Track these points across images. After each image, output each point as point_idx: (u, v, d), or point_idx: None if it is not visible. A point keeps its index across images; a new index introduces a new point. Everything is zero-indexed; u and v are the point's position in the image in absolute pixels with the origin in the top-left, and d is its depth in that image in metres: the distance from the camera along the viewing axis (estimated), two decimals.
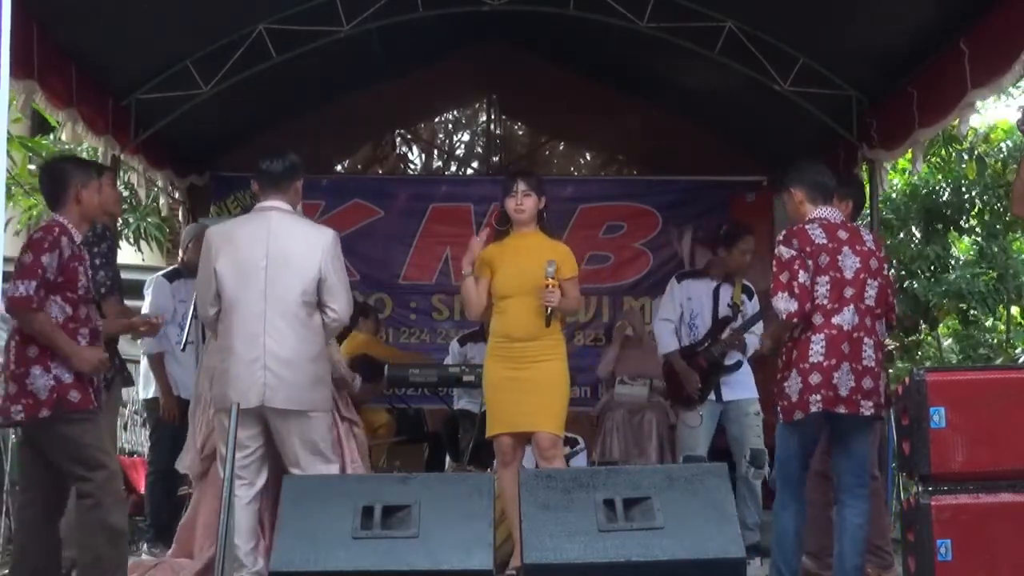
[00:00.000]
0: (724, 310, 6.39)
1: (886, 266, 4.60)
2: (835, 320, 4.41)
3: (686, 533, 3.55)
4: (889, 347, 10.18)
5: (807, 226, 4.53)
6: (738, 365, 6.28)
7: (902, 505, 4.52)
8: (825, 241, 4.47)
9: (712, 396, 6.29)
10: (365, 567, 3.52)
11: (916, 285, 10.11)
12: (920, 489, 4.01)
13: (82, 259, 4.43)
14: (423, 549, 3.54)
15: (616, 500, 3.62)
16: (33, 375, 4.28)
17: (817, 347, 4.39)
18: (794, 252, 4.46)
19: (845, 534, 4.49)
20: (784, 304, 4.41)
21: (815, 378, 4.38)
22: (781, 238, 4.57)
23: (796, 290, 4.41)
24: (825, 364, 4.38)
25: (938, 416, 3.97)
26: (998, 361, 10.15)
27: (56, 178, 4.49)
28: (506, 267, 5.09)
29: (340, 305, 4.70)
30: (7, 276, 4.54)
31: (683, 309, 6.44)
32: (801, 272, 4.43)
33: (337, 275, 4.70)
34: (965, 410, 3.98)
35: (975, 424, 3.98)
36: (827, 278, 4.43)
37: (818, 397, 4.37)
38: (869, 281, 4.47)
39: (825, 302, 4.43)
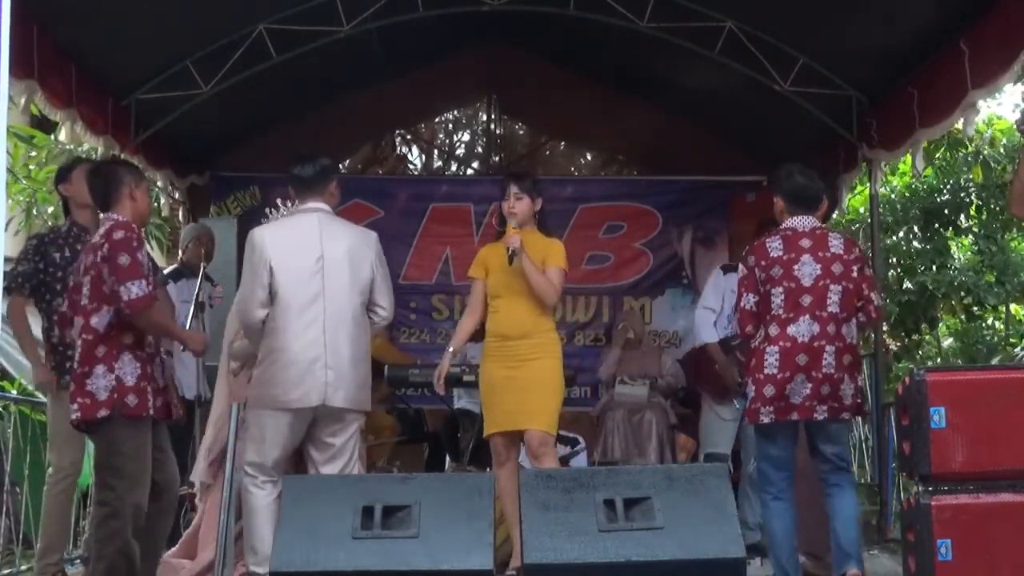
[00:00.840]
0: None
1: (856, 267, 4.61)
2: (790, 330, 4.50)
3: (686, 533, 3.55)
4: (890, 347, 10.22)
5: (767, 240, 4.66)
6: None
7: (902, 505, 4.52)
8: (781, 253, 4.58)
9: None
10: (365, 567, 3.52)
11: (914, 285, 10.13)
12: (920, 489, 4.01)
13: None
14: (423, 549, 3.54)
15: (616, 500, 3.62)
16: (95, 375, 4.29)
17: (771, 359, 4.51)
18: (746, 271, 4.66)
19: (836, 517, 4.58)
20: (734, 325, 4.78)
21: (769, 390, 4.51)
22: (744, 253, 4.73)
23: (737, 313, 4.70)
24: (779, 376, 4.49)
25: (938, 416, 3.96)
26: (996, 359, 10.16)
27: (109, 179, 4.54)
28: (498, 268, 5.12)
29: (388, 304, 4.81)
30: (8, 276, 4.54)
31: (725, 301, 6.40)
32: (746, 294, 4.64)
33: (385, 274, 4.83)
34: (965, 410, 3.98)
35: (975, 424, 3.97)
36: (781, 288, 4.54)
37: (771, 409, 4.51)
38: (831, 287, 4.53)
39: (780, 312, 4.54)
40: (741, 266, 4.71)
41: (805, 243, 4.59)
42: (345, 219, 5.00)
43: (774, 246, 4.61)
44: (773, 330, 4.53)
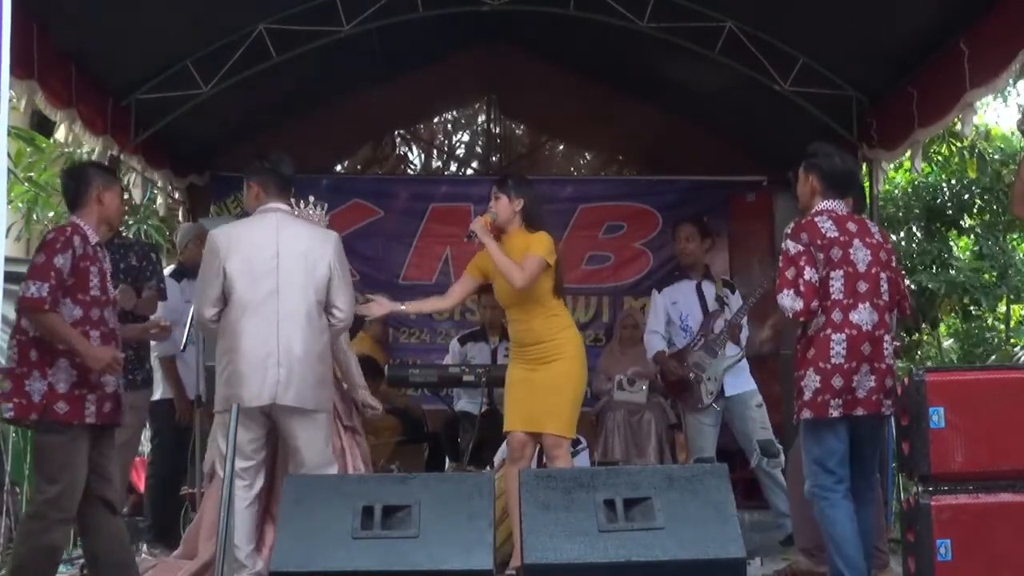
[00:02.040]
0: (712, 304, 6.42)
1: (894, 257, 4.49)
2: (853, 318, 4.26)
3: (686, 533, 3.56)
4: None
5: (816, 218, 4.39)
6: (739, 357, 6.31)
7: (902, 505, 4.51)
8: (837, 234, 4.33)
9: None
10: (365, 567, 3.52)
11: (914, 284, 10.13)
12: (920, 489, 4.02)
13: (96, 260, 4.42)
14: (423, 549, 3.55)
15: (616, 500, 3.62)
16: (33, 376, 4.29)
17: (838, 347, 4.24)
18: (801, 247, 4.32)
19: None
20: (789, 302, 4.28)
21: (837, 381, 4.23)
22: (789, 231, 4.42)
23: (802, 287, 4.27)
24: (846, 367, 4.24)
25: (938, 416, 3.97)
26: (993, 358, 10.16)
27: (79, 179, 4.53)
28: (498, 277, 5.14)
29: (345, 305, 4.76)
30: (8, 277, 4.51)
31: (670, 315, 6.49)
32: (807, 269, 4.29)
33: (343, 275, 4.78)
34: (965, 410, 3.98)
35: (975, 424, 3.98)
36: (841, 272, 4.29)
37: (839, 402, 4.23)
38: (882, 275, 4.35)
39: (841, 297, 4.28)
40: (793, 243, 4.34)
41: (852, 227, 4.38)
42: (304, 221, 4.97)
43: (827, 226, 4.34)
44: (836, 316, 4.26)
